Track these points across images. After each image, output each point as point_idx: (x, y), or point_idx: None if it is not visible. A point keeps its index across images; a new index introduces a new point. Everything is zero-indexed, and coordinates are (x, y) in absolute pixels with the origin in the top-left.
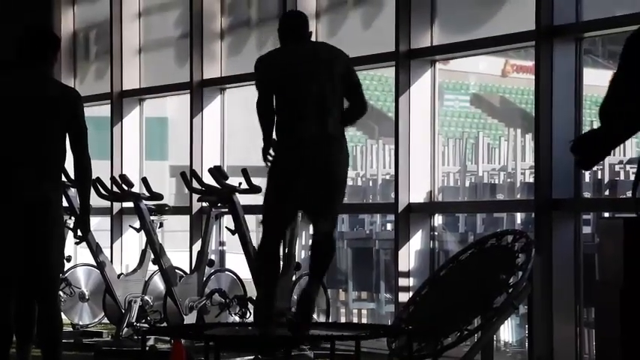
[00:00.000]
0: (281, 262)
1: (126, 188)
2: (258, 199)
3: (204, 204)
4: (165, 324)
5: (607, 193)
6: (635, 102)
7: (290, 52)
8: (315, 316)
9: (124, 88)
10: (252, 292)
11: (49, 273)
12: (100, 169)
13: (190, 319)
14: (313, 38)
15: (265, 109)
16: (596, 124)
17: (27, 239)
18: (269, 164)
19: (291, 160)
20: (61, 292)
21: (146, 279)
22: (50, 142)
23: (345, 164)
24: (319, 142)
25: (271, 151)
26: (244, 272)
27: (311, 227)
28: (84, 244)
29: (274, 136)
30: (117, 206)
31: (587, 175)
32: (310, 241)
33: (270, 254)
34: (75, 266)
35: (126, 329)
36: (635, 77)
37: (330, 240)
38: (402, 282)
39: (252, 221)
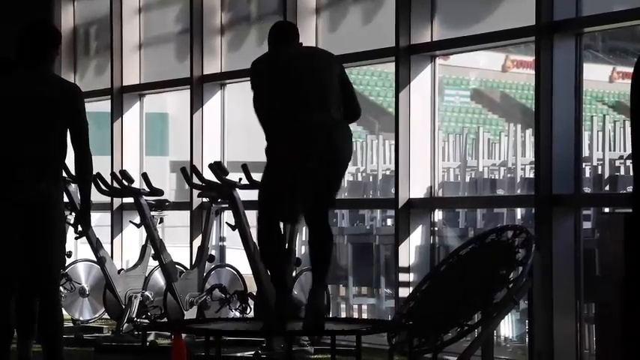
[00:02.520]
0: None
1: (126, 184)
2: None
3: (204, 199)
4: (165, 319)
5: (607, 188)
6: None
7: (285, 52)
8: None
9: (124, 84)
10: (252, 287)
11: (49, 270)
12: (100, 164)
13: (191, 314)
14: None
15: (262, 104)
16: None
17: (28, 237)
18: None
19: (292, 150)
20: (61, 288)
21: (146, 274)
22: (51, 140)
23: (349, 151)
24: (325, 126)
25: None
26: (245, 268)
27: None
28: (84, 239)
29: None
30: (117, 202)
31: (587, 171)
32: (308, 239)
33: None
34: (75, 262)
35: (126, 325)
36: None
37: (329, 237)
38: (403, 277)
39: (252, 217)
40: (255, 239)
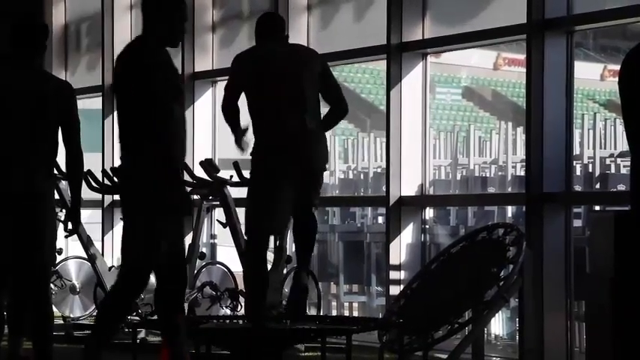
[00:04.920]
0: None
1: (117, 181)
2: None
3: (195, 197)
4: (156, 317)
5: (598, 186)
6: None
7: (267, 51)
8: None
9: None
10: (243, 284)
11: (40, 265)
12: (91, 161)
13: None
14: (300, 36)
15: (231, 106)
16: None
17: (19, 232)
18: (244, 151)
19: (274, 159)
20: (52, 285)
21: None
22: (43, 136)
23: (324, 157)
24: (299, 137)
25: (245, 138)
26: (235, 265)
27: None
28: (75, 236)
29: (250, 135)
30: (108, 199)
31: (578, 169)
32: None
33: (260, 257)
34: (66, 259)
35: None
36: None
37: (311, 220)
38: (393, 275)
39: (243, 214)
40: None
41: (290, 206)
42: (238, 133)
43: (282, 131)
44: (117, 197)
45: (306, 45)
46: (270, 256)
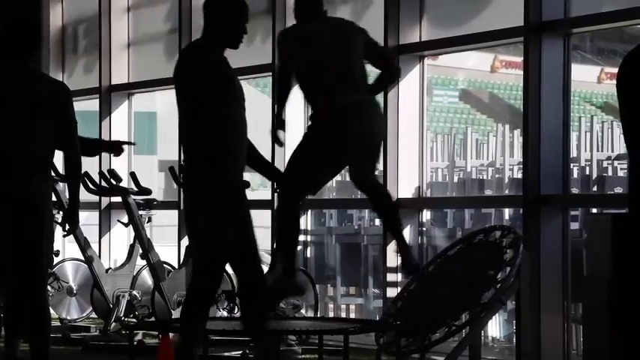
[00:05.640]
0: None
1: (114, 183)
2: (247, 195)
3: None
4: (153, 319)
5: (595, 189)
6: None
7: (313, 26)
8: (302, 311)
9: (112, 83)
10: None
11: (37, 267)
12: (88, 163)
13: (178, 314)
14: None
15: (280, 80)
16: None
17: (16, 233)
18: (282, 146)
19: (338, 124)
20: (49, 287)
21: (134, 274)
22: (40, 137)
23: (385, 125)
24: (355, 111)
25: (281, 134)
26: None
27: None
28: (72, 238)
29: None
30: (105, 201)
31: (575, 171)
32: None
33: (296, 210)
34: (63, 261)
35: (114, 324)
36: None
37: (387, 195)
38: (390, 277)
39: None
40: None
41: (329, 177)
42: (279, 115)
43: (336, 107)
44: (114, 199)
45: (342, 18)
46: (268, 258)
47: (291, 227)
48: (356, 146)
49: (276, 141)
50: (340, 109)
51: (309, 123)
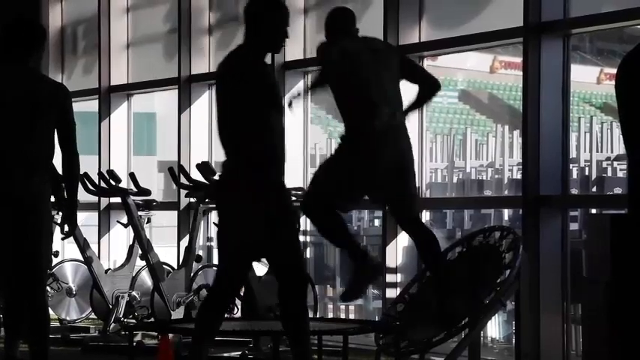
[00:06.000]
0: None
1: (113, 183)
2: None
3: (191, 199)
4: (152, 319)
5: (594, 189)
6: None
7: (356, 46)
8: None
9: (112, 84)
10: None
11: (36, 267)
12: (87, 164)
13: (178, 314)
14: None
15: (317, 84)
16: (583, 120)
17: (15, 234)
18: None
19: (373, 150)
20: (48, 288)
21: (133, 274)
22: (39, 138)
23: (411, 151)
24: (395, 130)
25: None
26: None
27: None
28: (71, 239)
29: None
30: (104, 201)
31: (574, 172)
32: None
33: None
34: (62, 261)
35: (113, 325)
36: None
37: (432, 236)
38: (390, 278)
39: None
40: None
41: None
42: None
43: (371, 127)
44: (113, 200)
45: (378, 38)
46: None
47: (334, 225)
48: (390, 176)
49: (289, 105)
50: (377, 133)
51: (343, 139)
